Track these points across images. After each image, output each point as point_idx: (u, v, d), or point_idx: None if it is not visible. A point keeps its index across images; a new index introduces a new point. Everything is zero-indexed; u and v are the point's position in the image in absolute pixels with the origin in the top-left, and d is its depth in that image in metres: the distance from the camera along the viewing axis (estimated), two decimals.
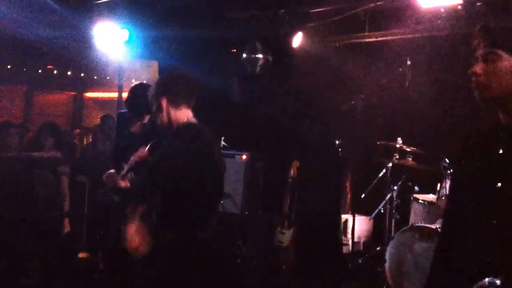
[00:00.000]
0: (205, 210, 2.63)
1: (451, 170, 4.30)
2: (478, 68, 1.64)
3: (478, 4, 4.58)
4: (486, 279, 1.53)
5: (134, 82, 5.00)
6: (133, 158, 2.71)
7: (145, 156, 2.69)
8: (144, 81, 4.03)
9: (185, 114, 2.66)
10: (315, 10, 5.31)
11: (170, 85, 2.69)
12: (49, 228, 4.81)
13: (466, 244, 1.67)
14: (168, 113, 2.63)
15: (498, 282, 1.50)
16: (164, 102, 2.63)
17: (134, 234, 2.51)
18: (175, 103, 2.64)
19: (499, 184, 1.60)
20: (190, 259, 2.55)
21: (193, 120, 2.69)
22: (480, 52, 1.67)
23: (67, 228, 4.92)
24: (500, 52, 1.63)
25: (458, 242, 1.72)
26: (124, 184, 2.69)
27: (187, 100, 2.69)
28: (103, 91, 8.87)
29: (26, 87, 8.93)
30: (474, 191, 1.68)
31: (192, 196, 2.54)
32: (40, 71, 8.45)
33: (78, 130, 6.91)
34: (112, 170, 2.93)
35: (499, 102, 1.66)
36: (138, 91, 3.73)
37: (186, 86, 2.71)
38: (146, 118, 3.74)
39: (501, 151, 1.64)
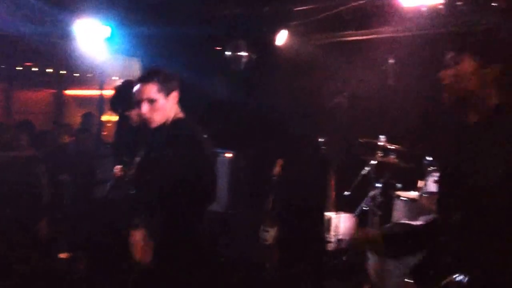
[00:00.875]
0: (200, 213, 2.54)
1: (432, 167, 4.36)
2: (444, 74, 1.79)
3: (458, 3, 4.64)
4: (455, 275, 1.58)
5: (116, 80, 4.94)
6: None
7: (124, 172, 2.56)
8: (128, 78, 3.99)
9: (177, 109, 2.59)
10: (299, 8, 5.32)
11: (173, 75, 2.58)
12: (28, 228, 4.72)
13: (439, 241, 1.77)
14: (174, 108, 2.54)
15: (464, 278, 1.55)
16: (176, 96, 2.54)
17: (141, 241, 2.41)
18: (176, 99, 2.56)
19: (471, 183, 1.66)
20: (189, 262, 2.47)
21: (183, 115, 2.61)
22: (446, 56, 1.80)
23: (45, 228, 4.82)
24: (460, 55, 1.74)
25: (435, 236, 1.82)
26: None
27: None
28: (84, 89, 8.75)
29: (5, 85, 8.75)
30: (450, 188, 1.76)
31: (194, 200, 2.44)
32: (19, 68, 8.29)
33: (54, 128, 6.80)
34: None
35: (465, 103, 1.76)
36: (127, 88, 3.73)
37: (176, 77, 2.63)
38: (136, 111, 3.73)
39: (471, 149, 1.72)
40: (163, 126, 2.54)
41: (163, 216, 2.43)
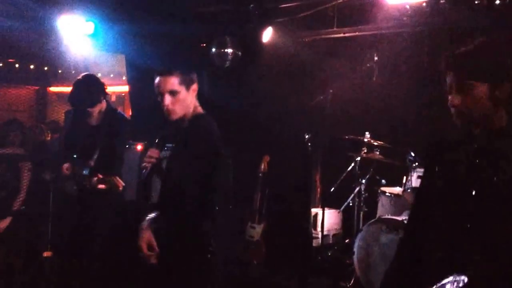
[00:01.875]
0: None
1: (416, 164, 4.42)
2: (456, 100, 1.76)
3: (442, 1, 4.70)
4: (451, 276, 1.62)
5: (100, 76, 4.89)
6: (148, 161, 2.57)
7: (158, 156, 2.57)
8: (87, 73, 3.97)
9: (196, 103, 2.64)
10: (285, 5, 5.32)
11: (194, 73, 2.64)
12: (10, 226, 4.65)
13: (430, 242, 1.78)
14: (193, 101, 2.59)
15: (463, 279, 1.59)
16: (196, 88, 2.59)
17: (150, 240, 2.46)
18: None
19: (474, 192, 1.70)
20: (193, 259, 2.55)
21: (200, 108, 2.65)
22: (452, 81, 1.78)
23: (4, 225, 4.73)
24: (472, 82, 1.73)
25: (421, 239, 1.83)
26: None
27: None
28: (68, 86, 8.62)
29: None
30: (445, 195, 1.79)
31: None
32: (1, 64, 8.15)
33: (43, 126, 6.70)
34: None
35: (477, 123, 1.78)
36: (89, 83, 3.70)
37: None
38: (97, 109, 3.71)
39: (477, 161, 1.75)
40: (184, 120, 2.58)
41: (173, 213, 2.49)
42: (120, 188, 3.71)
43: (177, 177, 2.51)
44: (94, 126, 3.77)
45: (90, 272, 3.83)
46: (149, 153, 2.59)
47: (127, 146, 4.41)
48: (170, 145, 2.64)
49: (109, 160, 3.74)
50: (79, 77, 3.83)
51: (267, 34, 5.54)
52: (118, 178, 3.71)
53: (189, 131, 2.57)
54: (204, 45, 5.80)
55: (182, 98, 2.54)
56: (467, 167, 1.76)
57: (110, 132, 3.76)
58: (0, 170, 4.64)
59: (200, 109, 2.65)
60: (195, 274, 2.55)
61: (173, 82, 2.54)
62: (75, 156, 3.68)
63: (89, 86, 3.70)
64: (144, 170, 2.57)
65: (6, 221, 4.63)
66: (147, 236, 2.48)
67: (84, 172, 3.67)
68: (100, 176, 3.63)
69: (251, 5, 5.23)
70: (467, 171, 1.75)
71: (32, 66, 8.37)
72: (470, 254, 1.66)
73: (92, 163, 3.68)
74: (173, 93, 2.53)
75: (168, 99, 2.53)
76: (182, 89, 2.54)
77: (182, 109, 2.56)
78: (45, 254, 4.71)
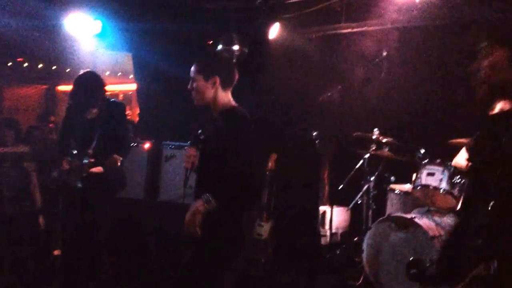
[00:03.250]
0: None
1: (426, 160, 4.36)
2: (476, 64, 1.85)
3: None
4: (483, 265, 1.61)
5: (108, 75, 4.89)
6: (187, 160, 2.65)
7: (195, 154, 2.65)
8: (88, 69, 3.98)
9: (229, 97, 2.71)
10: (292, 1, 5.28)
11: (223, 66, 2.73)
12: (19, 225, 4.68)
13: (470, 228, 1.82)
14: (216, 93, 2.65)
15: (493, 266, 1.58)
16: (216, 81, 2.64)
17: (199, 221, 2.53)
18: (225, 85, 2.67)
19: (499, 171, 1.72)
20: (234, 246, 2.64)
21: (234, 103, 2.72)
22: (478, 48, 1.86)
23: (42, 224, 4.79)
24: (494, 47, 1.81)
25: (466, 224, 1.87)
26: None
27: (232, 84, 2.73)
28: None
29: None
30: (481, 177, 1.83)
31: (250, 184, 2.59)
32: (9, 64, 8.20)
33: (51, 125, 6.73)
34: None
35: (499, 93, 1.83)
36: (88, 81, 3.70)
37: (234, 70, 2.74)
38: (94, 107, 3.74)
39: (504, 139, 1.77)
40: (214, 114, 2.68)
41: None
42: (118, 163, 3.70)
43: (209, 171, 2.60)
44: (91, 119, 3.78)
45: (97, 269, 3.84)
46: (187, 152, 2.68)
47: (132, 144, 4.39)
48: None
49: (108, 145, 3.72)
50: (80, 74, 3.83)
51: (274, 30, 5.50)
52: (114, 155, 3.70)
53: (219, 125, 2.65)
54: (211, 42, 5.77)
55: (199, 87, 2.65)
56: (498, 145, 1.77)
57: (108, 120, 3.76)
58: (4, 169, 4.66)
59: (232, 104, 2.71)
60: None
61: (193, 69, 2.69)
62: (74, 151, 3.68)
63: (90, 86, 3.71)
64: (188, 170, 2.65)
65: (42, 221, 4.68)
66: (198, 217, 2.51)
67: (84, 161, 3.66)
68: (92, 160, 3.64)
69: (258, 1, 5.19)
70: (497, 150, 1.78)
71: (40, 65, 8.42)
72: (496, 239, 1.68)
73: (90, 151, 3.67)
74: (192, 80, 2.68)
75: (189, 84, 2.70)
76: (199, 78, 2.66)
77: (200, 98, 2.67)
78: (56, 252, 4.74)
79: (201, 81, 2.65)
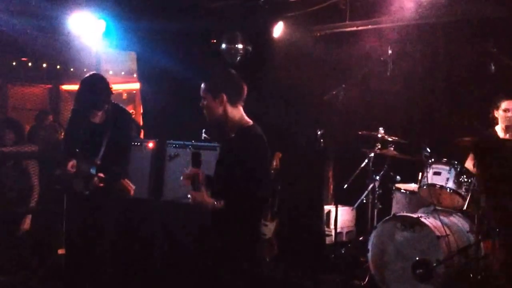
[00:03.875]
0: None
1: (433, 159, 4.33)
2: None
3: None
4: None
5: (111, 74, 4.89)
6: (185, 179, 2.68)
7: (198, 172, 2.69)
8: (94, 71, 3.97)
9: (240, 112, 2.75)
10: None
11: (229, 81, 2.77)
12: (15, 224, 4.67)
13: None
14: (225, 110, 2.71)
15: None
16: (224, 98, 2.69)
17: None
18: (233, 101, 2.72)
19: None
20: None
21: (248, 119, 2.77)
22: None
23: (26, 225, 4.76)
24: None
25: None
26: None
27: (242, 99, 2.77)
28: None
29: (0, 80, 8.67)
30: None
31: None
32: (13, 63, 8.20)
33: (48, 123, 6.71)
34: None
35: None
36: (94, 83, 3.71)
37: (241, 85, 2.79)
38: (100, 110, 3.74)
39: None
40: (230, 131, 2.75)
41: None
42: (132, 193, 3.73)
43: (223, 186, 2.66)
44: (97, 124, 3.77)
45: (101, 269, 3.83)
46: (188, 172, 2.70)
47: (136, 143, 4.39)
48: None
49: (116, 157, 3.74)
50: (87, 76, 3.82)
51: (278, 29, 5.48)
52: (128, 181, 3.72)
53: (234, 143, 2.72)
54: (215, 41, 5.75)
55: (208, 105, 2.72)
56: None
57: (114, 128, 3.76)
58: (6, 169, 4.65)
59: (247, 121, 2.76)
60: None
61: (202, 88, 2.76)
62: (78, 152, 3.67)
63: (96, 89, 3.71)
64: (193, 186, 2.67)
65: (27, 221, 4.66)
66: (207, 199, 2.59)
67: (91, 171, 3.67)
68: (102, 175, 3.64)
69: (262, 0, 5.16)
70: None
71: (44, 65, 8.41)
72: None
73: (98, 161, 3.67)
74: (203, 98, 2.76)
75: (201, 102, 2.77)
76: (208, 97, 2.72)
77: (211, 116, 2.75)
78: (60, 251, 4.73)
79: (210, 99, 2.71)
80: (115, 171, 3.76)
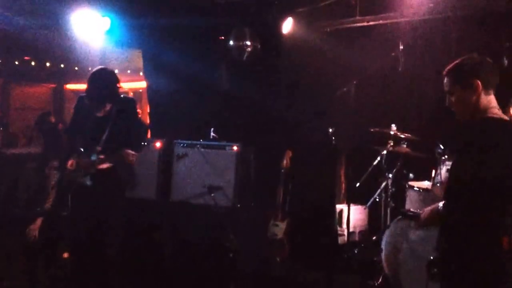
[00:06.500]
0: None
1: (445, 157, 4.25)
2: None
3: None
4: None
5: (117, 72, 4.81)
6: None
7: None
8: (102, 66, 3.88)
9: (493, 102, 2.38)
10: None
11: (481, 65, 2.40)
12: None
13: None
14: (478, 99, 2.35)
15: None
16: (478, 85, 2.35)
17: None
18: (487, 87, 2.36)
19: None
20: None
21: (499, 112, 2.40)
22: None
23: (36, 226, 4.69)
24: None
25: None
26: None
27: (494, 85, 2.41)
28: (85, 83, 8.53)
29: (3, 80, 8.60)
30: None
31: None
32: (17, 62, 8.13)
33: (60, 125, 6.65)
34: None
35: None
36: (101, 78, 3.64)
37: (493, 67, 2.44)
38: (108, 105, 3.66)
39: None
40: (470, 123, 2.40)
41: None
42: (131, 158, 3.58)
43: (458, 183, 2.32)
44: (101, 117, 3.69)
45: (108, 270, 3.76)
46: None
47: (141, 128, 4.25)
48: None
49: (119, 141, 3.62)
50: (96, 69, 3.74)
51: (287, 25, 5.40)
52: (125, 150, 3.58)
53: (471, 136, 2.33)
54: (223, 37, 5.66)
55: (458, 100, 2.42)
56: None
57: (118, 116, 3.67)
58: (23, 170, 4.59)
59: (490, 111, 2.37)
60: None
61: (447, 82, 2.47)
62: (81, 149, 3.59)
63: (106, 83, 3.63)
64: None
65: (38, 223, 4.59)
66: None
67: (92, 158, 3.57)
68: (102, 157, 3.55)
69: None
70: None
71: (48, 64, 8.35)
72: None
73: (99, 148, 3.58)
74: (449, 93, 2.47)
75: (447, 100, 2.50)
76: (456, 89, 2.42)
77: (463, 111, 2.42)
78: (65, 255, 4.66)
79: (459, 91, 2.39)
80: (118, 152, 3.60)
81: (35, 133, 5.93)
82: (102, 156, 3.55)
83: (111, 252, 3.76)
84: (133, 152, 3.60)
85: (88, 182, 3.58)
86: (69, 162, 3.58)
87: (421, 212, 2.41)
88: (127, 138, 3.67)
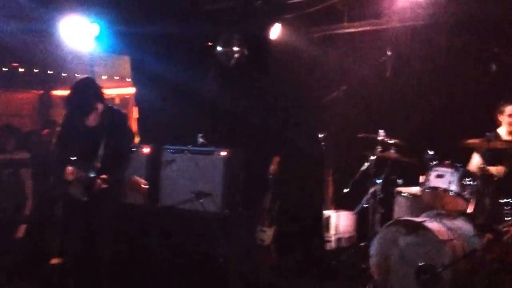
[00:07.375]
0: None
1: (435, 162, 4.26)
2: None
3: None
4: None
5: (105, 79, 4.80)
6: None
7: None
8: (86, 76, 3.90)
9: None
10: (293, 1, 5.19)
11: None
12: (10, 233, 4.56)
13: None
14: None
15: None
16: None
17: None
18: None
19: None
20: None
21: None
22: None
23: (20, 233, 4.64)
24: None
25: None
26: None
27: None
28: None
29: None
30: None
31: None
32: (5, 69, 8.08)
33: (46, 130, 6.58)
34: None
35: None
36: (84, 86, 3.65)
37: None
38: (100, 108, 3.64)
39: None
40: None
41: None
42: (144, 189, 3.62)
43: None
44: (92, 127, 3.67)
45: (99, 276, 3.72)
46: None
47: (133, 148, 4.29)
48: None
49: (115, 159, 3.66)
50: (77, 79, 3.76)
51: (275, 31, 5.42)
52: (138, 178, 3.63)
53: None
54: (210, 43, 5.67)
55: None
56: None
57: (111, 130, 3.67)
58: (4, 176, 4.54)
59: None
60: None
61: None
62: (75, 158, 3.57)
63: (85, 91, 3.63)
64: None
65: (22, 230, 4.54)
66: None
67: (90, 174, 3.57)
68: (104, 176, 3.55)
69: (258, 1, 5.08)
70: None
71: (36, 70, 8.29)
72: None
73: (98, 164, 3.58)
74: None
75: None
76: None
77: None
78: (54, 261, 4.60)
79: None
80: (117, 172, 3.67)
81: (34, 137, 5.89)
82: (104, 176, 3.56)
83: (104, 257, 3.75)
84: (143, 181, 3.65)
85: (85, 199, 3.60)
86: (69, 170, 3.55)
87: None
88: (120, 155, 3.71)
